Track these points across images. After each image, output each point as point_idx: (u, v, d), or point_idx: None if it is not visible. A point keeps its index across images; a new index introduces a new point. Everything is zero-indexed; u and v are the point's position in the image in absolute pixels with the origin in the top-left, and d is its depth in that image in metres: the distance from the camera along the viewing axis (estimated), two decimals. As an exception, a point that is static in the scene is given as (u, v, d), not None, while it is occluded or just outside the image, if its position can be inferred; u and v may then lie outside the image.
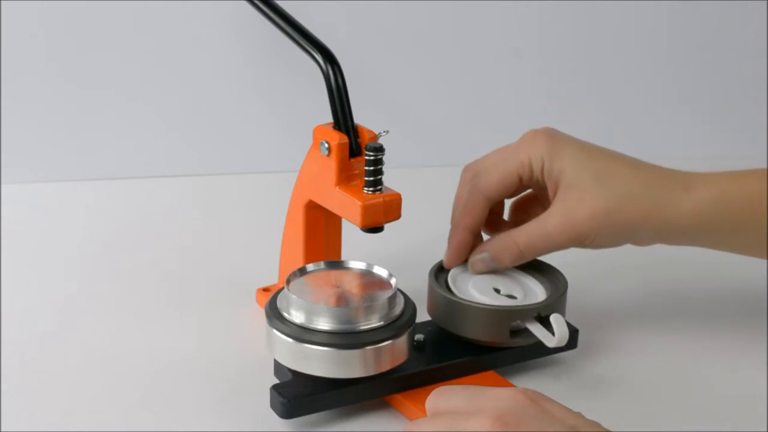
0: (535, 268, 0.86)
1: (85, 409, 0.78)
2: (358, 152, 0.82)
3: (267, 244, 0.95)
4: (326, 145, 0.81)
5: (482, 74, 1.29)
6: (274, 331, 0.75)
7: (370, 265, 0.80)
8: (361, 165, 0.81)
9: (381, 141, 0.81)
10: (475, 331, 0.80)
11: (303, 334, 0.74)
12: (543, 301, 0.82)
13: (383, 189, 0.80)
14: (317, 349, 0.74)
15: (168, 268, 0.99)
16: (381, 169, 0.80)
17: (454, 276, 0.85)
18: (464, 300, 0.81)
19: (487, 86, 1.29)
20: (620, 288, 0.99)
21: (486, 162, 0.85)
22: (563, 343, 0.79)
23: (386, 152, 0.80)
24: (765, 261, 0.87)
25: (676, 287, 0.99)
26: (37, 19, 1.14)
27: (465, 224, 0.84)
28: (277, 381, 0.78)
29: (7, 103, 1.16)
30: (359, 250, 0.90)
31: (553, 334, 0.79)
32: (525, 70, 1.30)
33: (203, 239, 1.06)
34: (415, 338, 0.80)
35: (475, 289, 0.83)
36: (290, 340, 0.74)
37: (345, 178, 0.82)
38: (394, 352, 0.76)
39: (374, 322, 0.75)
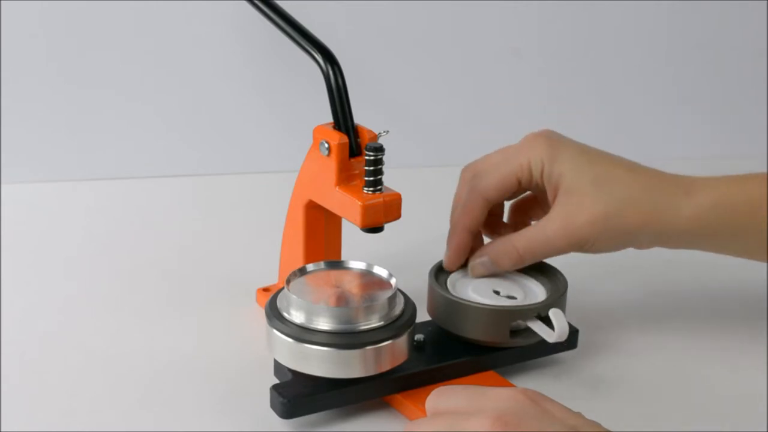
0: (535, 268, 0.86)
1: (85, 409, 0.78)
2: (358, 152, 0.82)
3: (267, 244, 0.95)
4: (326, 145, 0.81)
5: (482, 74, 1.29)
6: (274, 331, 0.75)
7: (370, 265, 0.80)
8: (361, 165, 0.81)
9: (381, 141, 0.81)
10: (475, 331, 0.81)
11: (303, 334, 0.74)
12: (543, 301, 0.82)
13: (383, 189, 0.80)
14: (317, 349, 0.74)
15: (168, 268, 0.99)
16: (381, 169, 0.80)
17: (453, 281, 0.85)
18: (464, 300, 0.81)
19: (487, 86, 1.29)
20: (620, 288, 0.99)
21: (485, 163, 0.85)
22: (563, 338, 0.79)
23: (386, 152, 0.80)
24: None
25: (676, 287, 0.99)
26: (37, 19, 1.14)
27: (464, 225, 0.84)
28: (277, 381, 0.78)
29: (7, 103, 1.16)
30: (359, 250, 0.90)
31: (553, 329, 0.79)
32: (525, 70, 1.30)
33: (203, 239, 1.06)
34: (415, 338, 0.80)
35: (475, 293, 0.83)
36: (290, 340, 0.74)
37: (345, 178, 0.82)
38: (394, 352, 0.76)
39: (374, 322, 0.75)
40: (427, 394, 0.69)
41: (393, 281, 0.78)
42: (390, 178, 0.81)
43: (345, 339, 0.74)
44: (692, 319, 0.93)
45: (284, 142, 1.20)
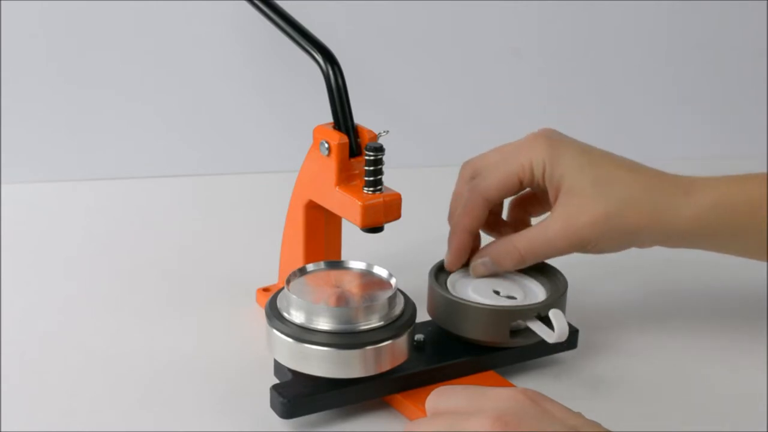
0: (535, 268, 0.86)
1: (85, 409, 0.78)
2: (358, 152, 0.82)
3: (267, 244, 0.95)
4: (326, 145, 0.81)
5: (482, 74, 1.29)
6: (274, 331, 0.75)
7: (370, 265, 0.80)
8: (361, 165, 0.81)
9: (381, 141, 0.81)
10: (475, 331, 0.81)
11: (303, 334, 0.74)
12: (543, 301, 0.82)
13: (383, 189, 0.80)
14: (317, 349, 0.74)
15: (168, 268, 0.99)
16: (381, 169, 0.80)
17: (453, 281, 0.85)
18: (464, 300, 0.81)
19: (487, 86, 1.29)
20: (620, 288, 0.99)
21: (485, 161, 0.85)
22: (563, 338, 0.79)
23: (386, 152, 0.80)
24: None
25: (676, 287, 0.99)
26: (37, 19, 1.14)
27: (464, 226, 0.84)
28: (277, 381, 0.78)
29: (7, 103, 1.16)
30: (359, 250, 0.90)
31: (553, 329, 0.79)
32: (525, 70, 1.30)
33: (203, 239, 1.06)
34: (415, 338, 0.80)
35: (475, 293, 0.83)
36: (290, 340, 0.74)
37: (345, 178, 0.82)
38: (394, 352, 0.75)
39: (374, 322, 0.75)
40: (427, 394, 0.69)
41: (393, 281, 0.78)
42: (390, 178, 0.81)
43: (345, 339, 0.74)
44: (692, 319, 0.93)
45: (284, 142, 1.20)
